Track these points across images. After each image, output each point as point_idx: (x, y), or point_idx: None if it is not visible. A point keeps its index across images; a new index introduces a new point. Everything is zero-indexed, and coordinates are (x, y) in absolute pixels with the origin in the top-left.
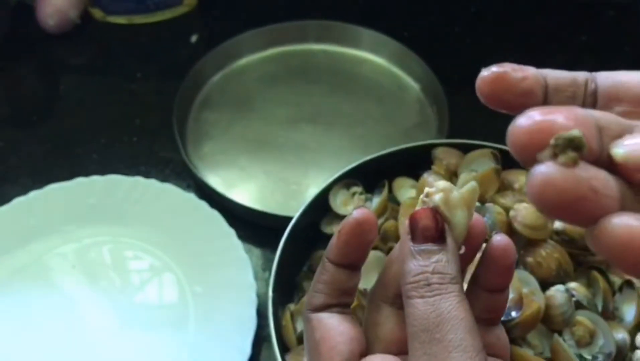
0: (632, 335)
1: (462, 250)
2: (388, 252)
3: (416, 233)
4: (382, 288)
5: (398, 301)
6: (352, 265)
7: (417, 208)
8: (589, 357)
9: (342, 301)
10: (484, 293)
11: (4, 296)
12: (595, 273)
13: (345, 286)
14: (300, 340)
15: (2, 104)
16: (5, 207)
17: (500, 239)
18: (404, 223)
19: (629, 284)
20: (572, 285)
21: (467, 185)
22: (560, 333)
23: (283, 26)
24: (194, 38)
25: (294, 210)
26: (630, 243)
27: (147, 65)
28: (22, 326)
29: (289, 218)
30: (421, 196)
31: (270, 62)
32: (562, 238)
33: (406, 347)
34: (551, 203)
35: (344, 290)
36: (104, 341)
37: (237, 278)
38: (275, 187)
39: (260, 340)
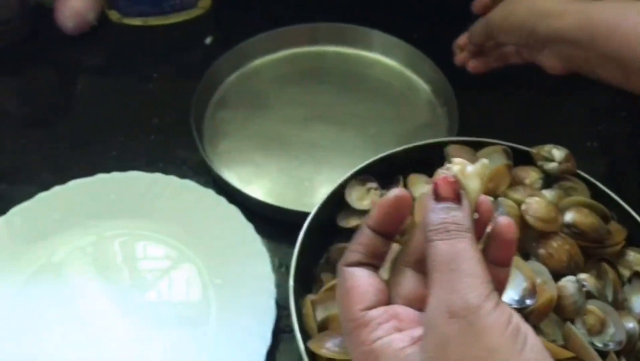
0: None
1: (476, 216)
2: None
3: (438, 193)
4: (406, 255)
5: (418, 266)
6: (386, 233)
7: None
8: (600, 345)
9: (373, 262)
10: (490, 266)
11: (27, 288)
12: (605, 265)
13: (378, 250)
14: (320, 328)
15: (23, 104)
16: (29, 202)
17: (504, 218)
18: (423, 200)
19: (638, 275)
20: (583, 276)
21: (479, 161)
22: (572, 322)
23: (295, 28)
24: (208, 40)
25: (308, 205)
26: None
27: (163, 66)
28: (42, 317)
29: (305, 213)
30: (439, 169)
31: (283, 63)
32: (572, 231)
33: (423, 305)
34: None
35: (376, 253)
36: (127, 333)
37: (256, 270)
38: (289, 183)
39: (278, 330)
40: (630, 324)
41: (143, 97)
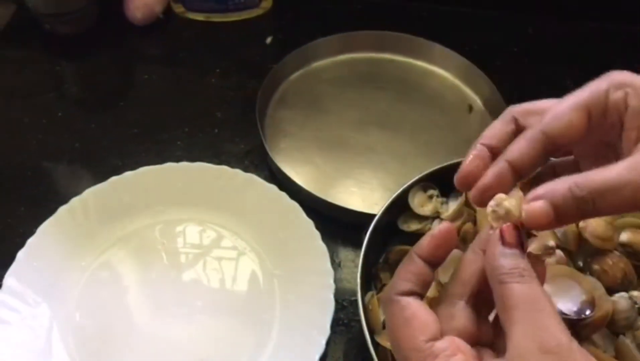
0: None
1: None
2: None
3: (505, 240)
4: (459, 287)
5: (472, 300)
6: (435, 262)
7: (488, 213)
8: None
9: (422, 291)
10: None
11: (96, 268)
12: None
13: (427, 279)
14: (384, 325)
15: (93, 89)
16: (103, 185)
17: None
18: (485, 231)
19: None
20: (635, 293)
21: (514, 193)
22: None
23: (357, 34)
24: (268, 39)
25: (365, 206)
26: None
27: (226, 62)
28: (111, 295)
29: (368, 215)
30: (491, 203)
31: (342, 67)
32: (626, 250)
33: (475, 340)
34: None
35: (425, 282)
36: (190, 317)
37: (316, 265)
38: (347, 184)
39: (335, 323)
40: None
41: (206, 91)
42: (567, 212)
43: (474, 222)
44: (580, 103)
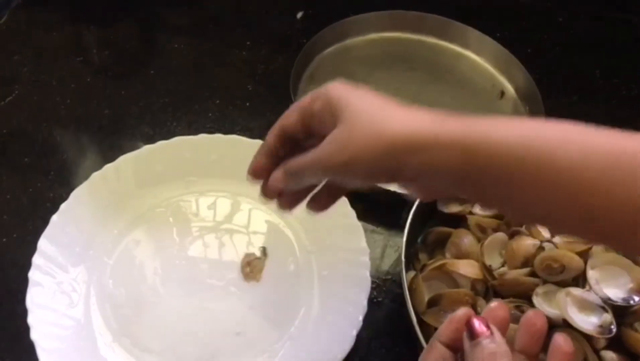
0: None
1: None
2: (510, 235)
3: (472, 333)
4: None
5: None
6: (454, 347)
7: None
8: None
9: None
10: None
11: (130, 236)
12: None
13: None
14: (430, 303)
15: (120, 56)
16: (137, 152)
17: (561, 339)
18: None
19: None
20: None
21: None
22: None
23: (390, 14)
24: (299, 14)
25: (397, 188)
26: None
27: (255, 35)
28: (142, 260)
29: (401, 195)
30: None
31: (374, 46)
32: None
33: None
34: None
35: None
36: (226, 292)
37: (352, 243)
38: None
39: (370, 300)
40: None
41: (236, 64)
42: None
43: None
44: (298, 107)
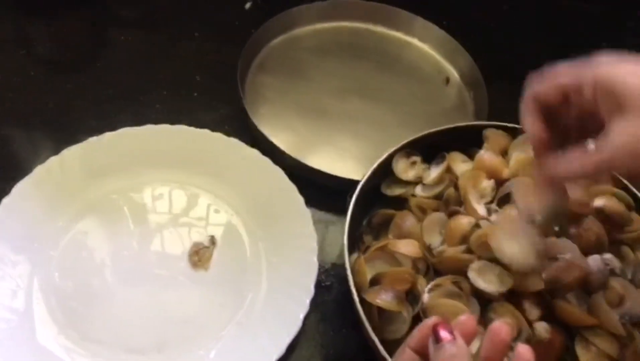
0: None
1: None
2: (449, 214)
3: (437, 338)
4: None
5: None
6: (422, 353)
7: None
8: (617, 317)
9: None
10: None
11: (75, 228)
12: (626, 248)
13: None
14: (371, 282)
15: (65, 49)
16: (82, 144)
17: (525, 349)
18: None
19: None
20: (607, 255)
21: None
22: None
23: (338, 3)
24: (247, 5)
25: (345, 172)
26: None
27: (204, 26)
28: (88, 252)
29: (352, 181)
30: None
31: (322, 35)
32: (600, 216)
33: None
34: None
35: None
36: (175, 281)
37: (300, 229)
38: (327, 151)
39: (317, 285)
40: None
41: (185, 55)
42: None
43: (456, 187)
44: (561, 86)
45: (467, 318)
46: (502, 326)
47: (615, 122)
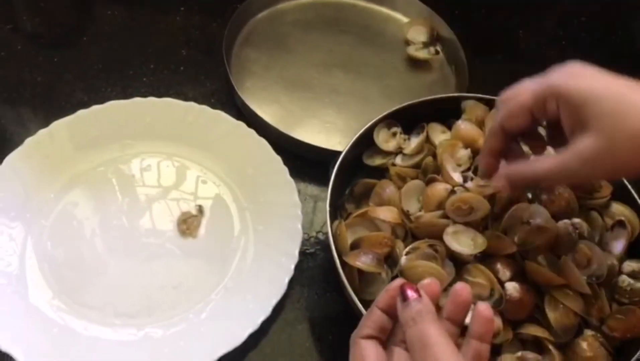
0: (620, 263)
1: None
2: (427, 182)
3: (404, 296)
4: (394, 335)
5: (404, 345)
6: (391, 313)
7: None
8: (584, 277)
9: (380, 336)
10: (474, 341)
11: (66, 199)
12: (595, 213)
13: (385, 326)
14: (352, 246)
15: (52, 23)
16: (71, 117)
17: (459, 283)
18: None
19: (619, 224)
20: (576, 220)
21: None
22: None
23: None
24: None
25: (330, 144)
26: None
27: (190, 1)
28: (78, 221)
29: (334, 152)
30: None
31: (306, 10)
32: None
33: None
34: None
35: (383, 328)
36: (164, 249)
37: (285, 198)
38: (312, 123)
39: (303, 253)
40: (611, 262)
41: (171, 29)
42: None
43: (434, 156)
44: (526, 107)
45: (431, 280)
46: (464, 287)
47: (577, 137)
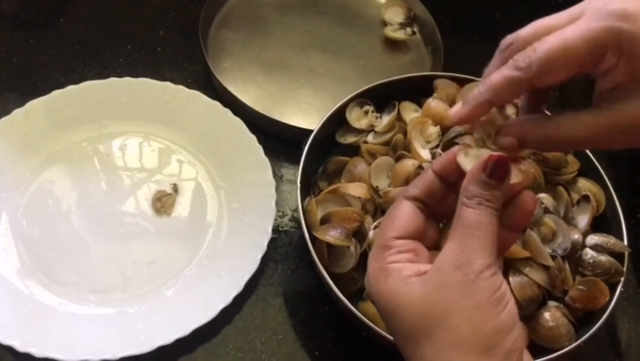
0: (584, 237)
1: None
2: (396, 158)
3: (489, 169)
4: (412, 189)
5: (417, 202)
6: (446, 180)
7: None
8: (550, 250)
9: (428, 201)
10: (504, 231)
11: (41, 178)
12: (561, 188)
13: (435, 192)
14: (322, 221)
15: (28, 5)
16: (46, 97)
17: (528, 192)
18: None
19: (585, 199)
20: (543, 195)
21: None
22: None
23: None
24: None
25: (306, 123)
26: None
27: None
28: (52, 211)
29: (307, 130)
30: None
31: None
32: (537, 158)
33: (414, 236)
34: None
35: (433, 194)
36: (139, 227)
37: (259, 177)
38: (288, 103)
39: (277, 227)
40: (575, 236)
41: (148, 10)
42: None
43: (404, 134)
44: (579, 57)
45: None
46: (532, 197)
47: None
